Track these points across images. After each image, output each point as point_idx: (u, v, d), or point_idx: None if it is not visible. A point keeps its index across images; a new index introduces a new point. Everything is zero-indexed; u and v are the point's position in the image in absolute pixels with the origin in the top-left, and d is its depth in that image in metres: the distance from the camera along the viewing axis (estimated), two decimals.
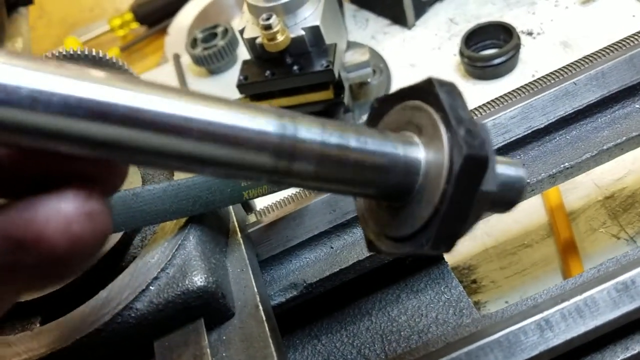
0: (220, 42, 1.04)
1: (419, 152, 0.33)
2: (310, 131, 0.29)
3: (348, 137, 0.31)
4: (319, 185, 0.32)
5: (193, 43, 1.07)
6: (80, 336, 0.43)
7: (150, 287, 0.45)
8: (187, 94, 0.27)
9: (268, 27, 0.76)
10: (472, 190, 0.31)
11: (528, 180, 0.39)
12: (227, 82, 1.07)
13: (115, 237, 0.49)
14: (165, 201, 0.47)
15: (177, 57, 1.12)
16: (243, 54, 1.08)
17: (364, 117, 0.88)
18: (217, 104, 0.27)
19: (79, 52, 0.58)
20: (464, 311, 0.54)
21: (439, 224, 0.30)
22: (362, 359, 0.54)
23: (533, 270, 0.68)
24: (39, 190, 0.26)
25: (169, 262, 0.46)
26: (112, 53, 1.49)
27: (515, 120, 0.57)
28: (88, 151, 0.25)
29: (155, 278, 0.45)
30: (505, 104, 0.59)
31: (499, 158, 0.37)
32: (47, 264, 0.26)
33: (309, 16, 0.79)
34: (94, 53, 0.58)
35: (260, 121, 0.28)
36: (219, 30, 1.07)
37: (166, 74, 1.13)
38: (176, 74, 1.11)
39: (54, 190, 0.26)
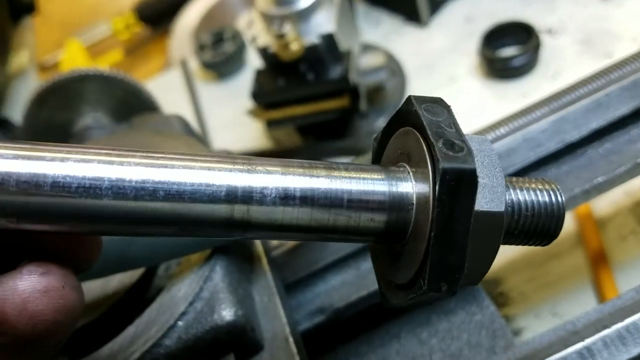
0: (229, 48, 1.01)
1: (408, 185, 0.30)
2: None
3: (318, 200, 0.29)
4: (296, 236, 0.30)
5: (201, 48, 1.05)
6: None
7: (179, 323, 0.43)
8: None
9: (281, 36, 0.74)
10: (462, 210, 0.28)
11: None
12: (237, 87, 1.05)
13: (137, 272, 0.47)
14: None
15: (184, 64, 1.10)
16: (252, 57, 1.06)
17: (379, 122, 0.86)
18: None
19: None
20: (497, 332, 0.53)
21: (430, 257, 0.27)
22: None
23: (562, 281, 0.67)
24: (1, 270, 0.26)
25: (197, 296, 0.44)
26: (116, 56, 1.47)
27: (547, 134, 0.55)
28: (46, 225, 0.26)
29: (183, 313, 0.44)
30: (534, 115, 0.57)
31: (527, 179, 0.34)
32: (18, 342, 0.26)
33: (323, 23, 0.77)
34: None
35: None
36: (227, 34, 1.04)
37: (173, 80, 1.11)
38: (184, 80, 1.08)
39: (13, 270, 0.26)
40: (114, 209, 0.26)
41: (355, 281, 0.53)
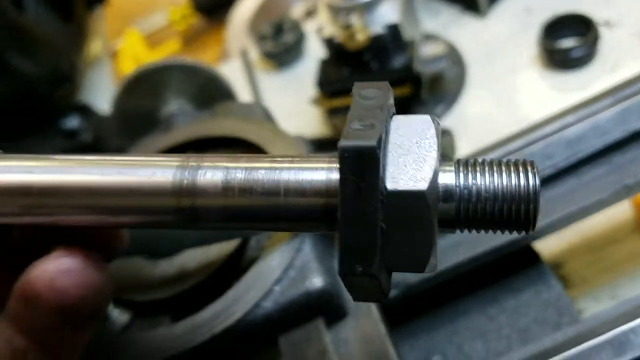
0: (290, 38, 1.06)
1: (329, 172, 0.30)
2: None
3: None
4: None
5: (261, 38, 1.09)
6: (215, 332, 0.47)
7: (275, 288, 0.48)
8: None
9: (348, 27, 0.78)
10: (368, 189, 0.27)
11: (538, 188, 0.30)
12: (295, 76, 1.09)
13: (234, 242, 0.52)
14: None
15: (244, 54, 1.14)
16: (310, 47, 1.10)
17: (437, 111, 0.89)
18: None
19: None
20: (562, 310, 0.56)
21: (339, 238, 0.28)
22: (462, 355, 0.56)
23: (621, 266, 0.69)
24: (39, 256, 0.34)
25: (290, 265, 0.49)
26: (173, 46, 1.53)
27: (612, 123, 0.57)
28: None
29: (279, 279, 0.48)
30: (601, 105, 0.60)
31: (495, 161, 0.31)
32: (53, 315, 0.33)
33: (388, 13, 0.80)
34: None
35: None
36: (287, 25, 1.08)
37: (233, 69, 1.15)
38: (244, 69, 1.13)
39: (45, 256, 0.33)
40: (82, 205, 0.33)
41: None
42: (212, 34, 1.49)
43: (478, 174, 0.30)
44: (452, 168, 0.31)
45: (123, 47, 1.52)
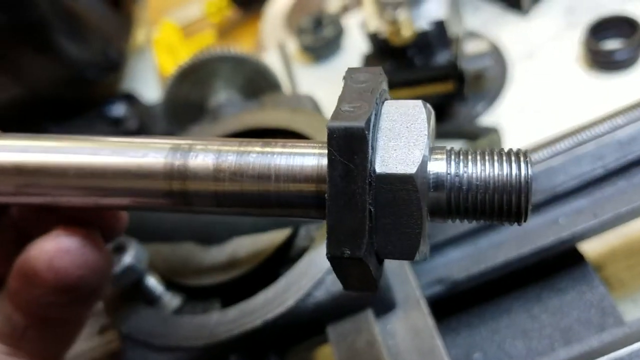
0: (329, 33, 1.06)
1: (318, 158, 0.30)
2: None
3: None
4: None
5: (301, 32, 1.10)
6: (267, 318, 0.48)
7: (326, 277, 0.49)
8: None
9: (394, 22, 0.78)
10: (357, 170, 0.27)
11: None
12: (334, 70, 1.09)
13: (285, 231, 0.53)
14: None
15: (282, 47, 1.15)
16: (348, 42, 1.10)
17: (478, 108, 0.89)
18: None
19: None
20: (606, 310, 0.56)
21: (328, 221, 0.27)
22: (503, 354, 0.56)
23: None
24: (38, 235, 0.34)
25: None
26: (208, 38, 1.55)
27: None
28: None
29: (330, 269, 0.49)
30: None
31: (487, 150, 0.31)
32: (51, 293, 0.33)
33: (434, 9, 0.80)
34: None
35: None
36: (326, 20, 1.09)
37: (271, 62, 1.16)
38: (281, 62, 1.14)
39: (44, 235, 0.33)
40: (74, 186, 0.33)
41: (474, 255, 0.57)
42: (247, 26, 1.50)
43: (470, 163, 0.30)
44: (444, 156, 0.30)
45: (158, 37, 1.54)
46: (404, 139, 0.29)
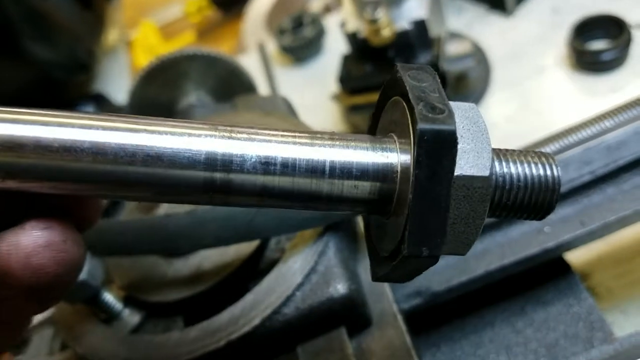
0: (309, 33, 1.03)
1: (393, 153, 0.30)
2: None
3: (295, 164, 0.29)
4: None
5: (280, 32, 1.07)
6: (231, 338, 0.44)
7: (297, 293, 0.46)
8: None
9: (374, 21, 0.75)
10: (443, 172, 0.27)
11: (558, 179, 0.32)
12: (314, 71, 1.06)
13: (253, 243, 0.50)
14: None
15: (262, 47, 1.12)
16: (329, 42, 1.07)
17: None
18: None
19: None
20: (594, 325, 0.53)
21: (410, 219, 0.27)
22: None
23: None
24: (4, 226, 0.28)
25: (313, 269, 0.47)
26: (188, 38, 1.51)
27: None
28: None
29: (301, 284, 0.46)
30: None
31: (522, 152, 0.33)
32: (24, 294, 0.28)
33: (414, 9, 0.77)
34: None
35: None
36: (307, 19, 1.06)
37: (250, 63, 1.13)
38: (261, 63, 1.11)
39: (17, 226, 0.28)
40: (94, 171, 0.27)
41: (455, 265, 0.54)
42: (228, 27, 1.47)
43: (510, 163, 0.32)
44: (494, 156, 0.31)
45: (137, 37, 1.50)
46: (469, 140, 0.30)
